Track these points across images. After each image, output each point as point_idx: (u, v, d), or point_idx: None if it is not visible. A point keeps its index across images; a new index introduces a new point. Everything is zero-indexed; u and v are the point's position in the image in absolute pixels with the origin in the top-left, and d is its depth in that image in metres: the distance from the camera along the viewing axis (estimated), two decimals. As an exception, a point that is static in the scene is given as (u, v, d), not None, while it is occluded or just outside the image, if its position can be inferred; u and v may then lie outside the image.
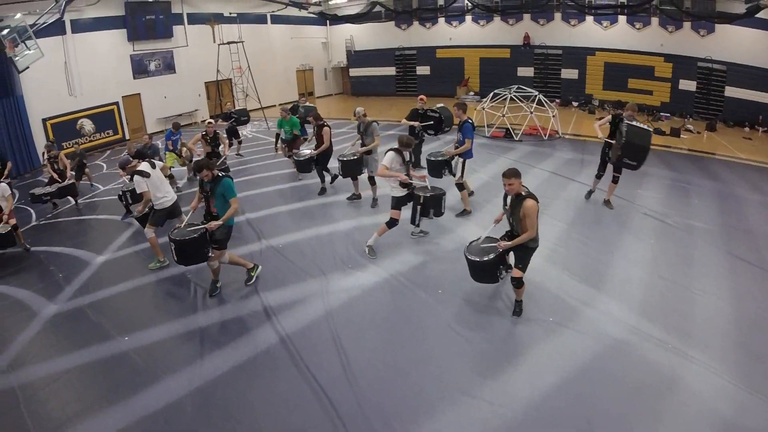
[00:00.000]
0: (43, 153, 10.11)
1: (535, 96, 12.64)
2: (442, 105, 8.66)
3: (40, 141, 12.90)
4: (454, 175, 6.89)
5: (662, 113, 14.79)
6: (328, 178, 8.52)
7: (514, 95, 12.87)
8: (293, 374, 4.07)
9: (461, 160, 6.73)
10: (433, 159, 6.91)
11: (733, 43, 13.49)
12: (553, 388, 3.73)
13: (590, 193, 7.72)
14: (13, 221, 6.65)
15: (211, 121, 8.49)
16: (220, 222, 4.90)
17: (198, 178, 5.13)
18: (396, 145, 5.65)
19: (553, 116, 12.52)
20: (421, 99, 8.77)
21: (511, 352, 4.20)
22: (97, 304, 5.42)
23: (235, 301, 5.26)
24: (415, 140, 7.62)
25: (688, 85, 14.75)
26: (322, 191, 8.42)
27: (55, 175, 8.84)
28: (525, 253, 4.31)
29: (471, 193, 7.53)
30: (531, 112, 12.24)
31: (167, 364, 4.30)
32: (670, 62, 14.93)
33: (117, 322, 5.00)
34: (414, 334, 4.52)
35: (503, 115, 12.34)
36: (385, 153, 5.71)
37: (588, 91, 17.06)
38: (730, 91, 13.90)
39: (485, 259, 4.34)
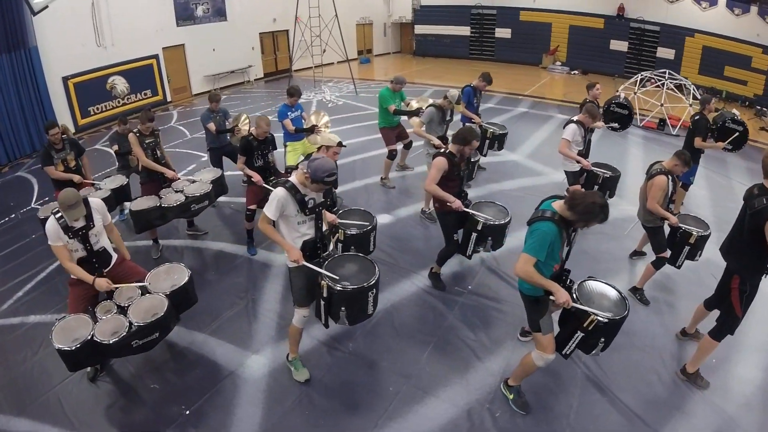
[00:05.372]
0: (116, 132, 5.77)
1: (687, 84, 11.33)
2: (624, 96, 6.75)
3: (59, 106, 9.92)
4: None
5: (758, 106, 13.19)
6: None
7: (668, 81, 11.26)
8: None
9: None
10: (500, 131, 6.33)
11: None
12: None
13: None
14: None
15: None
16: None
17: (570, 227, 2.60)
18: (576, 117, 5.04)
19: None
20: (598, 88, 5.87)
21: None
22: None
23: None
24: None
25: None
26: None
27: (164, 170, 4.94)
28: None
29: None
30: (690, 105, 10.69)
31: None
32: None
33: None
34: None
35: (661, 105, 10.81)
36: (565, 126, 5.07)
37: (683, 74, 15.31)
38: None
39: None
